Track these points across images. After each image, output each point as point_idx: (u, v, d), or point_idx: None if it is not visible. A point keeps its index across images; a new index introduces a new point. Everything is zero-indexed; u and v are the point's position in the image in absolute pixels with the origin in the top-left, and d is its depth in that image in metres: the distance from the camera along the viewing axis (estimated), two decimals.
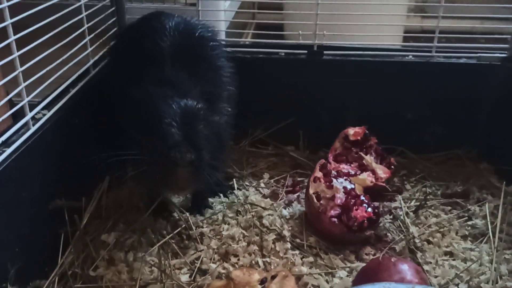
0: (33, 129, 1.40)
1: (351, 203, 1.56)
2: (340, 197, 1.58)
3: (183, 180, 1.32)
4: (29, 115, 1.39)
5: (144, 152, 1.30)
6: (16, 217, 1.31)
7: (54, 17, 1.51)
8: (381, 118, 1.96)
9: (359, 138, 1.86)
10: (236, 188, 1.84)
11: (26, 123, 1.39)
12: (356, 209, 1.55)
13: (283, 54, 2.01)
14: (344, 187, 1.62)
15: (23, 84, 1.35)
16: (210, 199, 1.78)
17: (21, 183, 1.32)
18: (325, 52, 1.99)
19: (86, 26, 1.72)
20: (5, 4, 1.27)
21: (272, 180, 1.90)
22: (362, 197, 1.60)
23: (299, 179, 1.91)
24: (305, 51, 2.00)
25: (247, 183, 1.88)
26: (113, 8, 2.01)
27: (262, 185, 1.87)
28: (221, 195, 1.80)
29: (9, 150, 1.29)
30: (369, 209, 1.57)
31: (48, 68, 1.46)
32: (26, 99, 1.37)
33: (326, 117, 2.04)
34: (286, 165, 2.01)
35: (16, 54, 1.31)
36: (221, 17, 2.09)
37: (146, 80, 1.45)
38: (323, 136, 2.03)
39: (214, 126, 1.44)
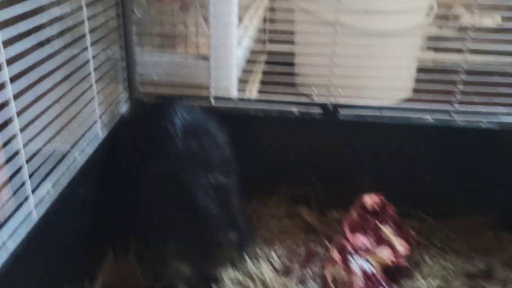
0: (36, 217, 1.31)
1: None
2: (359, 282, 1.50)
3: (224, 258, 1.26)
4: (33, 205, 1.30)
5: (183, 233, 1.24)
6: None
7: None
8: (397, 180, 1.88)
9: (376, 206, 1.78)
10: (247, 258, 1.75)
11: (29, 214, 1.30)
12: None
13: (297, 113, 1.93)
14: (363, 271, 1.53)
15: (27, 176, 1.25)
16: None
17: (19, 280, 1.23)
18: (341, 112, 1.91)
19: (94, 84, 1.62)
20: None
21: (285, 249, 1.81)
22: (383, 283, 1.52)
23: (312, 245, 1.83)
24: (320, 110, 1.92)
25: (258, 250, 1.79)
26: (123, 63, 1.93)
27: (274, 254, 1.78)
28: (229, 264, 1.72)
29: (10, 245, 1.21)
30: None
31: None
32: (30, 193, 1.27)
33: (339, 177, 1.96)
34: (299, 227, 1.93)
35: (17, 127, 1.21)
36: (232, 70, 2.01)
37: (163, 156, 1.40)
38: (336, 197, 1.96)
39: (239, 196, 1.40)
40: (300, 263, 1.74)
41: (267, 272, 1.67)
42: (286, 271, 1.71)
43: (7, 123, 1.19)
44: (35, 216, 1.30)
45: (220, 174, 1.40)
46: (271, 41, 2.28)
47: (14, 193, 1.24)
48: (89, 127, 1.63)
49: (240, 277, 1.66)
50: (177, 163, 1.40)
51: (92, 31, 1.57)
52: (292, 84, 2.34)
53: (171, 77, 2.01)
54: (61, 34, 1.42)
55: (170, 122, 1.59)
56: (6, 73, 1.14)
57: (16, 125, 1.20)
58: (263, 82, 2.46)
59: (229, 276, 1.67)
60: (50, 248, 1.36)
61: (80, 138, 1.57)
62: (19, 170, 1.24)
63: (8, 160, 1.21)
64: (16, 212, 1.25)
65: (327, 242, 1.84)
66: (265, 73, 2.57)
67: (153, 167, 1.42)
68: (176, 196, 1.32)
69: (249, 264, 1.71)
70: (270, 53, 2.47)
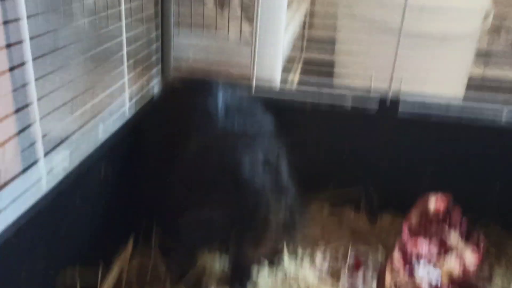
0: (46, 188, 1.10)
1: None
2: None
3: (272, 242, 1.08)
4: (44, 173, 1.09)
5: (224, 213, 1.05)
6: None
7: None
8: (462, 185, 1.62)
9: (442, 209, 1.52)
10: (286, 257, 1.51)
11: (38, 181, 1.09)
12: None
13: (349, 107, 1.69)
14: (429, 281, 1.27)
15: (40, 139, 1.05)
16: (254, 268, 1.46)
17: (22, 258, 1.02)
18: (400, 107, 1.67)
19: (125, 62, 1.44)
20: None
21: (328, 252, 1.57)
22: None
23: (361, 250, 1.58)
24: (376, 106, 1.68)
25: (299, 252, 1.55)
26: (158, 43, 1.75)
27: (318, 256, 1.54)
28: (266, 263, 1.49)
29: (12, 216, 1.00)
30: None
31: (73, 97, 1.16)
32: (42, 159, 1.07)
33: (394, 179, 1.71)
34: (344, 231, 1.68)
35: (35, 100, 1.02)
36: (278, 57, 1.80)
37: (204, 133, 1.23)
38: (389, 200, 1.72)
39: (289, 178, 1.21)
40: (348, 268, 1.49)
41: (310, 276, 1.43)
42: (331, 277, 1.45)
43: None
44: (45, 186, 1.09)
45: (267, 152, 1.18)
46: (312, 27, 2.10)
47: (23, 151, 1.04)
48: (116, 104, 1.44)
49: (279, 279, 1.42)
50: (219, 139, 1.19)
51: (127, 7, 1.42)
52: (341, 75, 2.13)
53: (208, 62, 1.81)
54: (94, 9, 1.26)
55: (211, 98, 1.39)
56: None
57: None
58: (305, 72, 2.27)
59: (265, 276, 1.44)
60: (60, 225, 1.14)
61: (106, 114, 1.39)
62: (29, 126, 1.04)
63: (18, 110, 1.02)
64: (22, 175, 1.05)
65: (380, 247, 1.59)
66: (306, 63, 2.38)
67: (191, 144, 1.21)
68: (218, 172, 1.10)
69: (289, 265, 1.48)
70: (311, 40, 2.27)
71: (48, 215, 1.08)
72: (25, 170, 1.06)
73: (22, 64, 0.99)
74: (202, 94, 1.45)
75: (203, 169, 1.11)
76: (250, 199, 1.00)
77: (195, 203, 1.13)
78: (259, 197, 1.04)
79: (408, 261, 1.31)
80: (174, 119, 1.43)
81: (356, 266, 1.50)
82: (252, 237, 1.04)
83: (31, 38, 0.99)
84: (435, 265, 1.35)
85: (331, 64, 2.21)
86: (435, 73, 1.75)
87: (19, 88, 1.01)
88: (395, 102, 1.65)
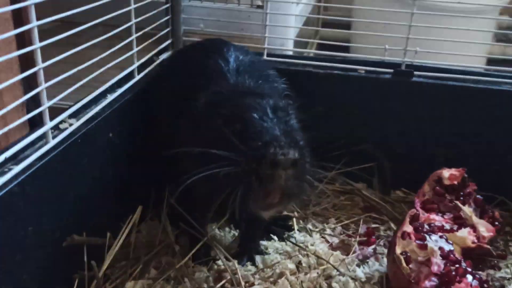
0: (52, 142, 1.09)
1: (452, 272, 1.18)
2: (437, 262, 1.20)
3: (283, 188, 0.98)
4: (49, 125, 1.08)
5: (231, 154, 0.99)
6: (18, 258, 0.99)
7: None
8: (478, 159, 1.58)
9: (455, 182, 1.48)
10: (296, 230, 1.49)
11: (44, 135, 1.08)
12: (459, 282, 1.17)
13: (363, 72, 1.66)
14: (441, 248, 1.24)
15: (44, 86, 1.04)
16: (263, 242, 1.44)
17: (27, 214, 1.01)
18: (415, 72, 1.62)
19: (133, 21, 1.42)
20: None
21: (339, 225, 1.54)
22: (464, 264, 1.22)
23: (373, 225, 1.55)
24: (391, 70, 1.64)
25: (309, 226, 1.53)
26: (168, 5, 1.72)
27: (328, 230, 1.51)
28: (276, 237, 1.47)
29: (16, 169, 0.99)
30: (475, 282, 1.19)
31: (78, 68, 1.15)
32: (47, 104, 1.06)
33: (409, 151, 1.66)
34: (356, 206, 1.65)
35: (38, 45, 1.01)
36: (290, 21, 1.76)
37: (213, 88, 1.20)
38: (403, 174, 1.67)
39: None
40: (359, 240, 1.46)
41: (321, 246, 1.40)
42: (343, 249, 1.43)
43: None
44: (50, 141, 1.08)
45: (278, 108, 1.13)
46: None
47: (27, 105, 1.04)
48: (124, 67, 1.43)
49: (289, 248, 1.40)
50: (229, 92, 1.15)
51: None
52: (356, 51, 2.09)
53: (219, 26, 1.78)
54: None
55: (222, 58, 1.35)
56: None
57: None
58: (321, 47, 2.23)
59: (275, 246, 1.42)
60: (67, 184, 1.13)
61: (113, 76, 1.38)
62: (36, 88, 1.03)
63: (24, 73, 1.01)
64: (27, 128, 1.04)
65: (391, 224, 1.55)
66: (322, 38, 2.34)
67: (201, 98, 1.17)
68: (228, 121, 1.06)
69: (299, 235, 1.46)
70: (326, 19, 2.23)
71: (53, 171, 1.07)
72: (32, 125, 1.05)
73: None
74: (212, 52, 1.40)
75: (212, 125, 1.08)
76: (258, 153, 0.96)
77: (205, 165, 1.09)
78: (266, 133, 1.00)
79: (420, 232, 1.27)
80: (183, 79, 1.40)
81: (368, 238, 1.47)
82: (261, 194, 0.99)
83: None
84: (447, 238, 1.31)
85: (347, 40, 2.17)
86: (452, 48, 1.69)
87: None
88: (410, 67, 1.61)
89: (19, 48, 1.02)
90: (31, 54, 1.01)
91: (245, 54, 1.41)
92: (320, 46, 2.43)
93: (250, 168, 0.96)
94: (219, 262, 1.30)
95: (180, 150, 1.10)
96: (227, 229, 1.50)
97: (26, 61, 1.09)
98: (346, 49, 2.27)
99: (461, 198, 1.47)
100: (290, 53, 1.86)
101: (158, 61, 1.62)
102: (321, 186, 1.62)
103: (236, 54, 1.38)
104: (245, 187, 0.96)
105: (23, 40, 1.14)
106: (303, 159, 1.00)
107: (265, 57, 1.69)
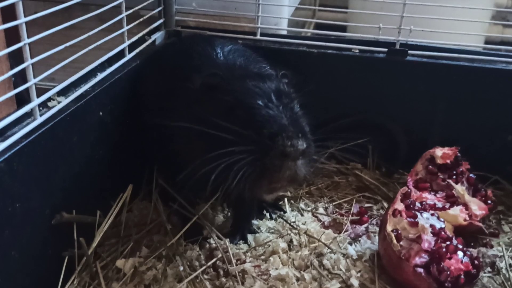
0: (40, 119, 1.08)
1: (443, 249, 1.18)
2: (428, 239, 1.20)
3: (290, 176, 1.01)
4: (36, 101, 1.07)
5: (236, 143, 1.00)
6: (5, 234, 0.99)
7: None
8: (472, 138, 1.57)
9: (448, 161, 1.48)
10: (288, 210, 1.49)
11: (31, 111, 1.07)
12: (449, 258, 1.17)
13: (357, 51, 1.64)
14: (432, 226, 1.24)
15: (30, 61, 1.03)
16: (255, 222, 1.44)
17: (15, 190, 1.00)
18: (410, 51, 1.61)
19: (123, 4, 1.41)
20: None
21: (332, 205, 1.54)
22: (455, 241, 1.22)
23: (366, 205, 1.55)
24: (385, 49, 1.63)
25: (302, 206, 1.52)
26: None
27: (321, 210, 1.51)
28: (268, 216, 1.47)
29: (3, 145, 0.98)
30: (465, 259, 1.19)
31: (66, 45, 1.14)
32: (33, 80, 1.05)
33: (403, 131, 1.66)
34: (350, 186, 1.65)
35: (23, 20, 1.00)
36: (283, 10, 1.75)
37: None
38: (397, 154, 1.67)
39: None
40: (351, 220, 1.46)
41: (313, 225, 1.40)
42: (335, 227, 1.43)
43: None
44: (38, 118, 1.07)
45: (274, 90, 1.12)
46: None
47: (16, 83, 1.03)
48: (115, 45, 1.41)
49: (279, 226, 1.40)
50: (226, 75, 1.15)
51: None
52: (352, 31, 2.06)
53: (212, 6, 1.76)
54: None
55: (209, 45, 1.36)
56: None
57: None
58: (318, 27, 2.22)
59: (267, 225, 1.42)
60: (56, 161, 1.13)
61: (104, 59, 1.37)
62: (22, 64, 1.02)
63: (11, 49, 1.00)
64: (15, 106, 1.03)
65: (384, 203, 1.55)
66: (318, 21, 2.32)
67: (195, 79, 1.17)
68: (226, 105, 1.06)
69: (290, 215, 1.46)
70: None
71: (41, 148, 1.06)
72: (19, 101, 1.04)
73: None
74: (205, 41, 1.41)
75: (215, 111, 1.07)
76: (267, 144, 0.97)
77: (198, 148, 1.09)
78: (271, 121, 1.00)
79: (411, 210, 1.27)
80: (176, 64, 1.39)
81: (361, 218, 1.46)
82: (268, 181, 1.01)
83: None
84: (439, 215, 1.31)
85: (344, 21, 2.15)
86: (450, 27, 1.67)
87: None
88: (404, 46, 1.60)
89: (4, 23, 1.00)
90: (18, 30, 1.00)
91: (231, 44, 1.41)
92: (317, 26, 2.41)
93: (259, 157, 0.96)
94: (211, 240, 1.30)
95: (182, 124, 1.08)
96: (219, 208, 1.50)
97: (13, 37, 1.08)
98: (343, 29, 2.25)
99: (454, 176, 1.46)
100: (284, 32, 1.84)
101: (150, 41, 1.61)
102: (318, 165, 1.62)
103: (222, 42, 1.39)
104: (252, 175, 0.97)
105: (10, 16, 1.13)
106: (310, 147, 1.01)
107: (258, 36, 1.68)
